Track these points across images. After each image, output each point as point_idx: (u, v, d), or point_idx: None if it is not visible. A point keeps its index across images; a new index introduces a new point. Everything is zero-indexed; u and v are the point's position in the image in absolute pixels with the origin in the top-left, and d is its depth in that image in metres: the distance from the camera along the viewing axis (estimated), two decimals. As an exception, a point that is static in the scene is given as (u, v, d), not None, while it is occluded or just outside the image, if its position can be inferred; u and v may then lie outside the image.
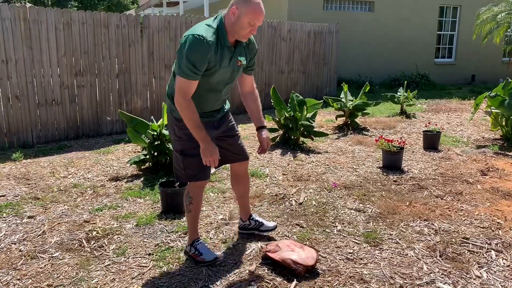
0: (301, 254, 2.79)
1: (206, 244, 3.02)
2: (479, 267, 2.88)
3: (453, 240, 3.26)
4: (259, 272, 2.79)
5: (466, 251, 3.09)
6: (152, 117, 5.24)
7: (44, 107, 6.22)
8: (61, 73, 6.32)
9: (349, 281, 2.69)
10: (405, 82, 9.37)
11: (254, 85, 2.95)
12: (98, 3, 36.24)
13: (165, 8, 17.89)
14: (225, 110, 2.90)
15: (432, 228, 3.46)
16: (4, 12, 5.68)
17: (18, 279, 2.72)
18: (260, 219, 3.29)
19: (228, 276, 2.75)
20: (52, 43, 6.15)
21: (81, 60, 6.47)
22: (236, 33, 2.48)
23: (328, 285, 2.65)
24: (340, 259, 2.97)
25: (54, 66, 6.23)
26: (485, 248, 3.14)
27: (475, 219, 3.65)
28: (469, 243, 3.21)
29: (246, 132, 6.96)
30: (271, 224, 3.29)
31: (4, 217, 3.66)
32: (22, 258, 2.98)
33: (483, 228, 3.48)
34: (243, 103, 2.97)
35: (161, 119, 4.76)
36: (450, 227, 3.49)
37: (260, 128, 2.91)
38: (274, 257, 2.81)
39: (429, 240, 3.26)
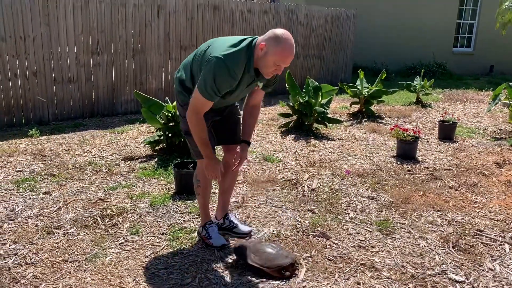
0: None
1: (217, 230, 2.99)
2: (492, 259, 2.87)
3: (466, 231, 3.24)
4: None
5: (479, 243, 3.08)
6: (167, 98, 5.24)
7: (60, 84, 6.26)
8: (77, 51, 6.34)
9: (360, 269, 2.70)
10: (422, 71, 9.23)
11: (261, 103, 2.92)
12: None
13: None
14: None
15: (445, 219, 3.45)
16: (22, -12, 5.69)
17: (35, 253, 2.77)
18: (236, 221, 3.11)
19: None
20: (70, 20, 6.15)
21: (97, 39, 6.47)
22: (260, 69, 2.45)
23: (339, 272, 2.66)
24: (351, 246, 2.98)
25: (71, 44, 6.25)
26: (498, 241, 3.12)
27: (489, 212, 3.62)
28: (482, 236, 3.20)
29: (260, 116, 6.94)
30: (245, 228, 3.08)
31: (21, 192, 3.72)
32: (38, 233, 3.03)
33: (497, 221, 3.46)
34: (242, 114, 2.90)
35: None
36: (463, 219, 3.47)
37: (244, 142, 2.84)
38: None
39: (442, 231, 3.24)
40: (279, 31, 2.36)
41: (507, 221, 3.44)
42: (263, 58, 2.37)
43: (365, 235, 3.15)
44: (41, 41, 5.96)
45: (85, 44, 6.38)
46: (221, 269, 2.66)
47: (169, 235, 3.05)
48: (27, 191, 3.75)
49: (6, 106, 5.85)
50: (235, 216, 3.27)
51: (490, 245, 3.06)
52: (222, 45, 2.44)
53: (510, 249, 3.02)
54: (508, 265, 2.81)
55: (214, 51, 2.40)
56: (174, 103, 4.74)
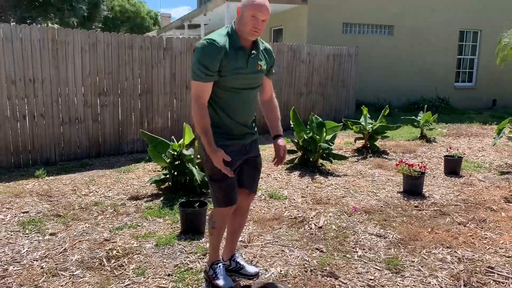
0: None
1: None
2: (505, 298, 2.80)
3: (478, 269, 3.18)
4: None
5: (491, 281, 3.01)
6: (172, 136, 5.30)
7: (67, 125, 6.36)
8: (85, 92, 6.47)
9: (370, 309, 2.64)
10: (425, 106, 9.30)
11: (274, 94, 2.94)
12: (121, 24, 37.18)
13: (187, 30, 18.22)
14: (255, 137, 2.84)
15: (455, 256, 3.39)
16: (34, 33, 5.88)
17: (40, 297, 2.74)
18: (242, 262, 3.05)
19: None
20: (78, 63, 6.31)
21: (105, 80, 6.61)
22: (244, 32, 2.51)
23: (349, 312, 2.60)
24: (361, 286, 2.92)
25: (78, 86, 6.39)
26: (511, 278, 3.06)
27: (500, 248, 3.56)
28: (494, 273, 3.13)
29: (265, 153, 6.96)
30: (252, 269, 3.03)
31: (26, 234, 3.71)
32: (43, 275, 3.00)
33: (508, 257, 3.39)
34: (263, 113, 2.94)
35: (182, 139, 4.81)
36: (474, 256, 3.41)
37: (276, 136, 2.86)
38: None
39: (453, 269, 3.19)
40: None
41: (518, 258, 3.38)
42: (241, 19, 2.49)
43: (374, 273, 3.10)
44: (50, 83, 6.10)
45: (93, 85, 6.51)
46: (229, 311, 2.61)
47: (175, 276, 3.01)
48: (33, 232, 3.74)
49: (14, 147, 5.92)
50: (242, 257, 3.24)
51: (503, 283, 2.99)
52: None
53: (523, 286, 2.95)
54: (522, 303, 2.74)
55: None
56: (180, 142, 4.79)
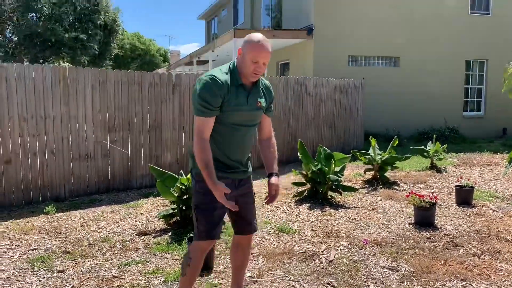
0: None
1: None
2: (524, 333, 2.70)
3: (494, 302, 3.09)
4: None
5: (509, 315, 2.92)
6: (181, 171, 5.32)
7: (77, 161, 6.42)
8: (95, 129, 6.56)
9: None
10: (434, 136, 9.27)
11: (272, 133, 2.94)
12: (131, 61, 38.05)
13: (195, 66, 18.58)
14: (249, 172, 2.84)
15: (471, 289, 3.30)
16: (46, 72, 6.03)
17: (46, 336, 2.70)
18: None
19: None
20: (88, 100, 6.43)
21: (114, 116, 6.72)
22: (244, 74, 2.57)
23: None
24: (374, 321, 2.84)
25: (89, 122, 6.49)
26: (529, 312, 2.96)
27: (516, 280, 3.46)
28: (512, 307, 3.03)
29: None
30: None
31: (35, 271, 3.69)
32: (50, 314, 2.97)
33: (526, 290, 3.29)
34: (260, 152, 2.93)
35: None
36: (490, 289, 3.31)
37: (271, 174, 2.81)
38: None
39: (468, 302, 3.09)
40: (252, 33, 2.56)
41: (536, 290, 3.28)
42: (242, 60, 2.53)
43: (387, 308, 3.01)
44: (61, 121, 6.20)
45: (103, 121, 6.61)
46: None
47: (183, 314, 2.95)
48: (41, 269, 3.73)
49: (25, 184, 5.97)
50: None
51: (521, 317, 2.89)
52: None
53: (543, 321, 2.85)
54: (543, 339, 2.64)
55: None
56: (188, 176, 4.80)
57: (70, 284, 3.43)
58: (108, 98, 6.63)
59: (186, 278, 2.68)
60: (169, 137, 7.31)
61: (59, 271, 3.68)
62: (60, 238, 4.57)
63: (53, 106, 6.12)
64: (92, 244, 4.36)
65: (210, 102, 2.48)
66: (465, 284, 3.39)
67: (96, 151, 6.59)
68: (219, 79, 2.51)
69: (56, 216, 5.37)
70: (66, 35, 20.69)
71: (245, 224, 2.84)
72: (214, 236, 2.65)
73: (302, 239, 4.48)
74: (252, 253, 4.05)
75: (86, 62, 23.54)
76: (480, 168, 8.67)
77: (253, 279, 3.51)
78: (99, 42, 23.21)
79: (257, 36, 2.54)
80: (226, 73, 2.57)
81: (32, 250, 4.20)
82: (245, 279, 3.47)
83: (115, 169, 6.81)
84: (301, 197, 6.16)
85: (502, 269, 3.68)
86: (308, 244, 4.32)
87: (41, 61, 21.47)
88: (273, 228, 4.81)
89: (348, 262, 3.84)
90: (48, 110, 6.08)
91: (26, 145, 5.96)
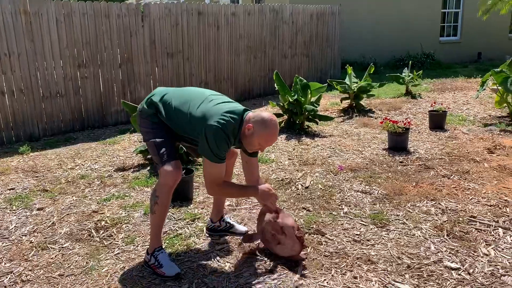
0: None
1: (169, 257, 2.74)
2: (486, 245, 2.89)
3: (460, 219, 3.26)
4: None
5: (474, 230, 3.10)
6: (156, 106, 5.24)
7: (48, 99, 6.24)
8: (64, 65, 6.32)
9: (356, 263, 2.71)
10: (410, 62, 9.28)
11: (260, 176, 2.90)
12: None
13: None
14: None
15: (439, 208, 3.46)
16: (4, 4, 5.67)
17: (30, 270, 2.76)
18: (231, 221, 3.16)
19: (238, 259, 2.78)
20: (54, 35, 6.13)
21: (83, 51, 6.46)
22: (244, 144, 2.60)
23: (335, 267, 2.66)
24: (347, 241, 2.98)
25: (56, 58, 6.23)
26: (492, 226, 3.14)
27: (482, 198, 3.64)
28: (476, 222, 3.21)
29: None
30: (242, 228, 3.15)
31: (14, 210, 3.70)
32: (33, 250, 3.02)
33: (490, 206, 3.48)
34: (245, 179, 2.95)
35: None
36: (457, 206, 3.48)
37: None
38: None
39: (436, 220, 3.26)
40: (266, 115, 2.53)
41: (499, 206, 3.46)
42: (249, 137, 2.53)
43: (360, 229, 3.16)
44: (27, 57, 5.94)
45: (71, 57, 6.36)
46: (218, 273, 2.66)
47: (164, 243, 3.04)
48: (20, 208, 3.74)
49: (-4, 125, 5.83)
50: (230, 218, 3.28)
51: (484, 231, 3.08)
52: (217, 111, 2.52)
53: (504, 233, 3.04)
54: (503, 249, 2.83)
55: (210, 117, 2.48)
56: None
57: (50, 221, 3.46)
58: (75, 32, 6.33)
59: (156, 216, 2.65)
60: (142, 71, 7.13)
61: (38, 209, 3.70)
62: (37, 177, 4.55)
63: (16, 42, 5.82)
64: (70, 182, 4.36)
65: (225, 149, 2.52)
66: (434, 203, 3.55)
67: (67, 88, 6.40)
68: (231, 139, 2.52)
69: (31, 156, 5.31)
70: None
71: None
72: (176, 156, 2.64)
73: (279, 168, 4.57)
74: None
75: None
76: (454, 93, 8.81)
77: (232, 207, 3.60)
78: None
79: (275, 124, 2.55)
80: (234, 129, 2.52)
81: (9, 190, 4.18)
82: (224, 208, 3.56)
83: (88, 106, 6.67)
84: (279, 128, 6.19)
85: (469, 188, 3.85)
86: (285, 173, 4.41)
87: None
88: (250, 159, 4.87)
89: (323, 188, 3.96)
90: (12, 46, 5.79)
91: (-8, 85, 5.74)
